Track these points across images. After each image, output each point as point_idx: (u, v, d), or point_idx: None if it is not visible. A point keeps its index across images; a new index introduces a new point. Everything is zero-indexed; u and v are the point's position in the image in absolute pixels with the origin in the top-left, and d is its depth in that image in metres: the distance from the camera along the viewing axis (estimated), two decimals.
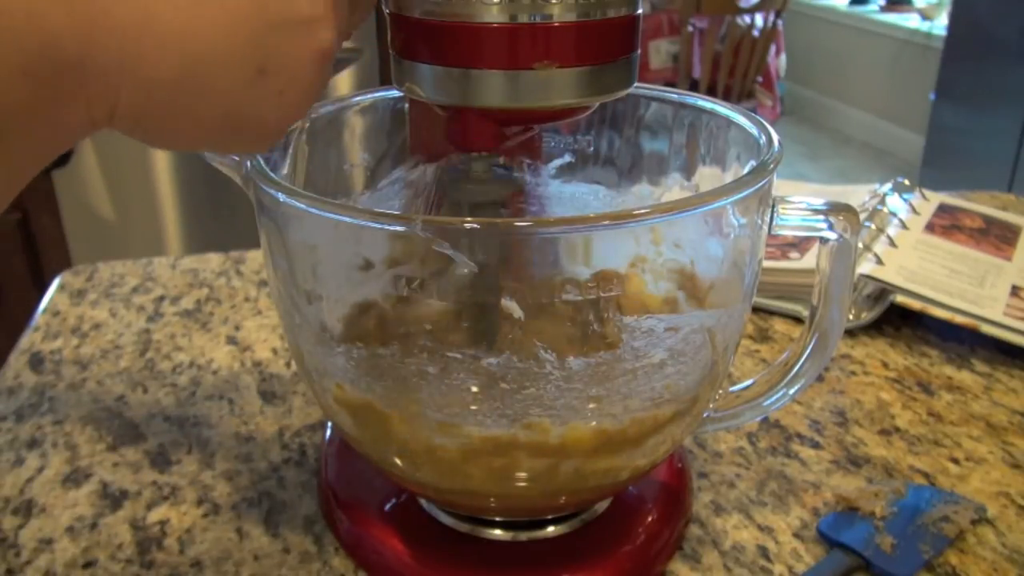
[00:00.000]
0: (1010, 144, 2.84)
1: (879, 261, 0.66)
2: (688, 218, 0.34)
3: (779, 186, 0.38)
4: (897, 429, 0.54)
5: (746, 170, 0.40)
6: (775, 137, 0.38)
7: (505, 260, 0.35)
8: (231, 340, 0.64)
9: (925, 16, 3.74)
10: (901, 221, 0.74)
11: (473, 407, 0.35)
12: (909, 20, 3.78)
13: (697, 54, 2.93)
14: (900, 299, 0.63)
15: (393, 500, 0.45)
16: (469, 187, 0.39)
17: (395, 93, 0.45)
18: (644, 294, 0.41)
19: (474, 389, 0.35)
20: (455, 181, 0.40)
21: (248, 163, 0.37)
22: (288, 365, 0.60)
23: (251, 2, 0.28)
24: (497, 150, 0.39)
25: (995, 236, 0.75)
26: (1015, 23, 2.77)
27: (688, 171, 0.46)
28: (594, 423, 0.36)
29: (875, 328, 0.65)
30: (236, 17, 0.27)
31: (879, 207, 0.76)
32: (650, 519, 0.44)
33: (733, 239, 0.36)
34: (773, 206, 0.38)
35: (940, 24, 3.51)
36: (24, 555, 0.43)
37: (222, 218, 1.83)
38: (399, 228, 0.33)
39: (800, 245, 0.70)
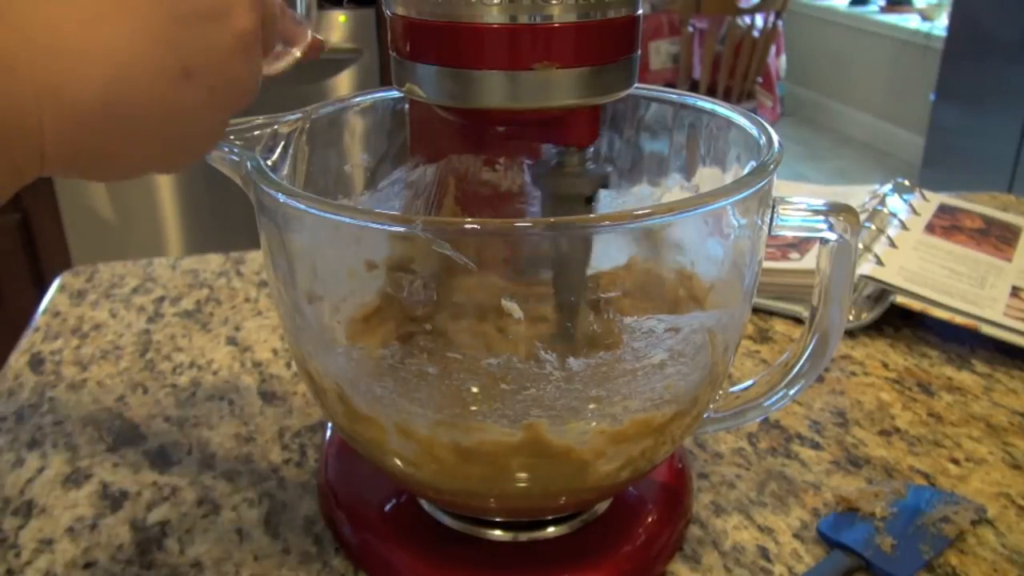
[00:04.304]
0: (1010, 144, 2.83)
1: (879, 262, 0.66)
2: (688, 219, 0.34)
3: (779, 186, 0.38)
4: (897, 430, 0.54)
5: (746, 171, 0.40)
6: (775, 138, 0.38)
7: (505, 260, 0.35)
8: (231, 341, 0.64)
9: (925, 17, 3.74)
10: (901, 222, 0.74)
11: (473, 408, 0.35)
12: (909, 21, 3.78)
13: (697, 55, 2.93)
14: (900, 300, 0.63)
15: (393, 501, 0.45)
16: (561, 180, 0.39)
17: (395, 94, 0.45)
18: (645, 293, 0.41)
19: (474, 390, 0.35)
20: (545, 174, 0.40)
21: (248, 164, 0.37)
22: (288, 365, 0.60)
23: (150, 1, 0.26)
24: (592, 143, 0.39)
25: (995, 237, 0.75)
26: (1015, 23, 2.77)
27: (688, 172, 0.46)
28: (594, 424, 0.36)
29: (875, 329, 0.65)
30: (140, 18, 0.26)
31: (879, 208, 0.76)
32: (650, 519, 0.44)
33: (733, 240, 0.36)
34: (773, 207, 0.38)
35: (940, 25, 3.51)
36: (24, 555, 0.43)
37: (222, 218, 1.83)
38: (399, 229, 0.33)
39: (800, 246, 0.70)
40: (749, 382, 0.43)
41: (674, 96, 0.45)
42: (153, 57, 0.26)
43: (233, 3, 0.28)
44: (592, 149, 0.39)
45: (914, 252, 0.69)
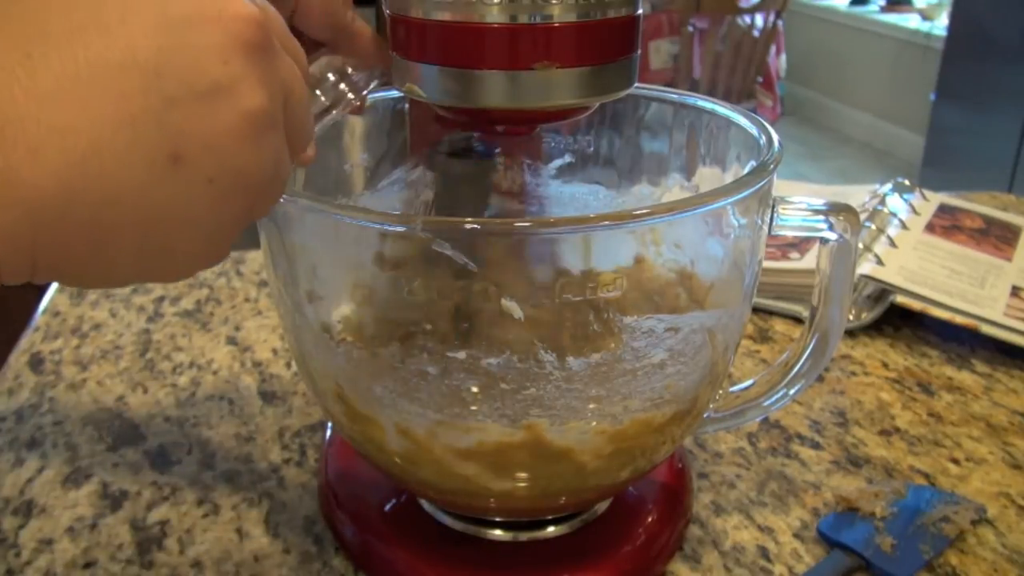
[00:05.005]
0: (1010, 144, 2.83)
1: (879, 261, 0.66)
2: (688, 218, 0.34)
3: (779, 186, 0.38)
4: (897, 429, 0.54)
5: (746, 170, 0.40)
6: (775, 137, 0.38)
7: (505, 261, 0.35)
8: (231, 340, 0.64)
9: (925, 16, 3.73)
10: (901, 221, 0.74)
11: (473, 407, 0.35)
12: (909, 20, 3.78)
13: (697, 54, 2.93)
14: (900, 299, 0.63)
15: (393, 500, 0.45)
16: (450, 160, 0.39)
17: (395, 93, 0.45)
18: (645, 292, 0.41)
19: (474, 389, 0.35)
20: (437, 154, 0.40)
21: None
22: (288, 365, 0.60)
23: (139, 75, 0.22)
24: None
25: (995, 236, 0.75)
26: (1015, 23, 2.77)
27: (688, 171, 0.46)
28: (594, 423, 0.36)
29: (875, 328, 0.65)
30: (121, 98, 0.21)
31: (879, 207, 0.76)
32: (650, 519, 0.44)
33: (733, 239, 0.36)
34: (773, 206, 0.38)
35: (940, 24, 3.51)
36: (24, 555, 0.43)
37: None
38: (399, 229, 0.33)
39: (800, 245, 0.70)
40: (749, 382, 0.43)
41: (674, 96, 0.45)
42: (131, 139, 0.21)
43: (239, 77, 0.23)
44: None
45: (914, 252, 0.69)
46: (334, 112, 0.36)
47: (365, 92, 0.37)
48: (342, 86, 0.36)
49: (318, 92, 0.35)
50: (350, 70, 0.37)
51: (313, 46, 0.38)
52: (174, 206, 0.23)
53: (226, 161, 0.23)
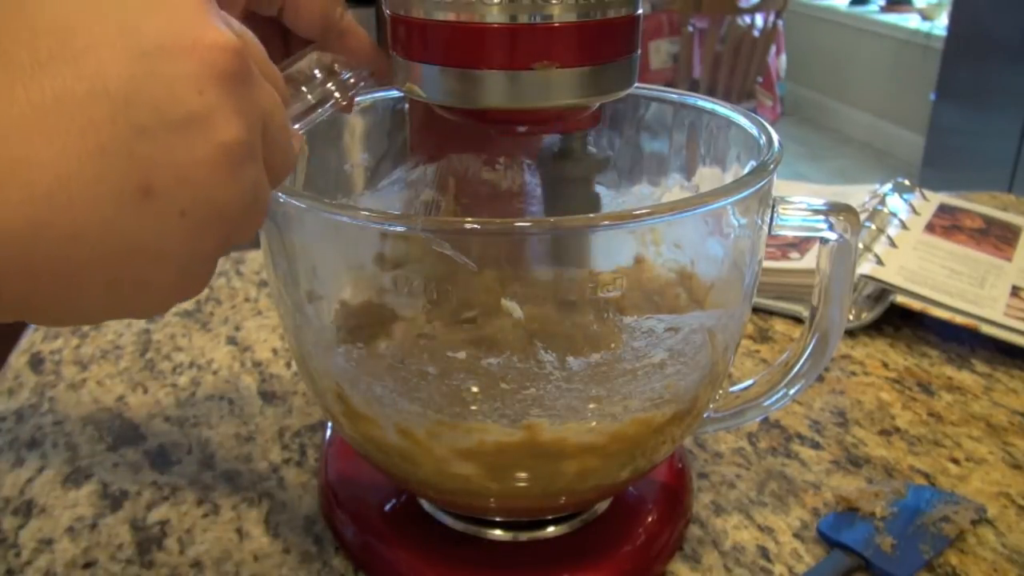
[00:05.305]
0: (1010, 144, 2.83)
1: (879, 261, 0.66)
2: (688, 218, 0.34)
3: (779, 186, 0.38)
4: (897, 429, 0.54)
5: (746, 170, 0.40)
6: (775, 137, 0.38)
7: (505, 260, 0.35)
8: (231, 340, 0.64)
9: (925, 16, 3.73)
10: (901, 221, 0.74)
11: (473, 407, 0.35)
12: (909, 20, 3.78)
13: (697, 54, 2.93)
14: (900, 299, 0.63)
15: (393, 500, 0.45)
16: (565, 164, 0.40)
17: (395, 93, 0.45)
18: (645, 292, 0.41)
19: (474, 389, 0.35)
20: (548, 159, 0.41)
21: None
22: (288, 365, 0.60)
23: (108, 104, 0.21)
24: (594, 127, 0.40)
25: (995, 236, 0.75)
26: (1015, 23, 2.77)
27: (688, 171, 0.46)
28: (594, 423, 0.36)
29: (875, 328, 0.65)
30: (89, 127, 0.21)
31: (879, 207, 0.76)
32: (650, 519, 0.44)
33: (733, 239, 0.36)
34: (773, 206, 0.38)
35: (940, 24, 3.51)
36: (24, 555, 0.43)
37: None
38: (399, 228, 0.33)
39: (800, 245, 0.70)
40: (749, 382, 0.43)
41: (674, 96, 0.45)
42: (99, 171, 0.21)
43: (215, 108, 0.22)
44: (591, 135, 0.40)
45: (914, 252, 0.69)
46: (320, 110, 0.35)
47: (353, 91, 0.37)
48: (329, 84, 0.36)
49: (304, 89, 0.35)
50: (338, 67, 0.37)
51: (301, 43, 0.38)
52: (145, 239, 0.22)
53: (200, 193, 0.23)
